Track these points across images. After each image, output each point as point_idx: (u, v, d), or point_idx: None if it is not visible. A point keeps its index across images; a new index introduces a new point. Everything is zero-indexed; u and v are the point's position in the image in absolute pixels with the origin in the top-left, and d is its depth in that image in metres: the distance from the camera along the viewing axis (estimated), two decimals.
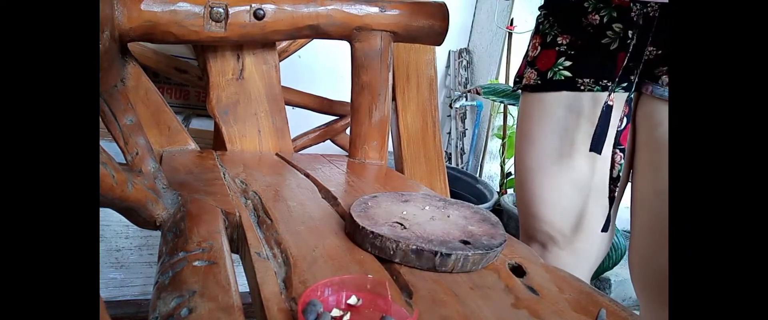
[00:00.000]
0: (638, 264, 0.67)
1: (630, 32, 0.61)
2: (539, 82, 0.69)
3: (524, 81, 0.72)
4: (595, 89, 0.66)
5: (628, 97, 0.61)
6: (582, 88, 0.66)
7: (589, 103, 0.66)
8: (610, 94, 0.62)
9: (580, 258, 0.73)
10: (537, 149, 0.71)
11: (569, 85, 0.67)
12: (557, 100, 0.68)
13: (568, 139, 0.68)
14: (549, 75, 0.68)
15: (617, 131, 0.62)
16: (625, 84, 0.63)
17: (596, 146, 0.62)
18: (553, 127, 0.69)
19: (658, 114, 0.60)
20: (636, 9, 0.59)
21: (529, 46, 0.75)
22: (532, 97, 0.71)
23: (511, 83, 2.28)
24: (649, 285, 0.65)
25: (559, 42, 0.68)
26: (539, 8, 0.74)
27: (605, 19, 0.63)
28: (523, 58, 0.76)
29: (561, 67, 0.67)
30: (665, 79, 0.59)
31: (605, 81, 0.65)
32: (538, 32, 0.72)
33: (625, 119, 0.61)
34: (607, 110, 0.61)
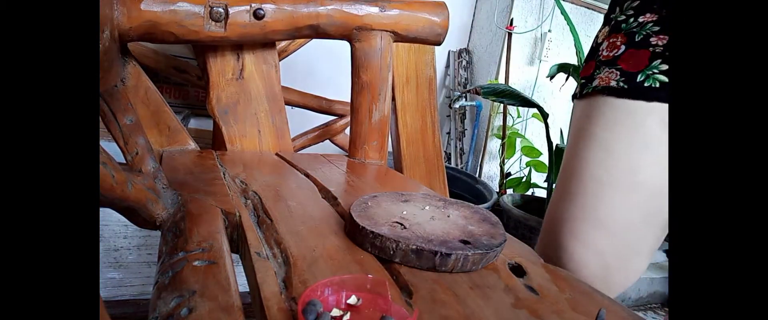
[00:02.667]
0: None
1: None
2: (625, 86, 0.60)
3: (600, 82, 0.62)
4: None
5: None
6: None
7: None
8: None
9: (623, 284, 0.64)
10: (614, 160, 0.61)
11: (664, 94, 0.57)
12: (649, 111, 0.58)
13: (655, 158, 0.59)
14: (640, 78, 0.59)
15: None
16: None
17: None
18: (640, 140, 0.59)
19: None
20: None
21: (601, 45, 0.65)
22: (611, 102, 0.61)
23: (510, 84, 2.28)
24: None
25: (654, 42, 0.58)
26: (613, 7, 0.65)
27: None
28: (589, 58, 0.67)
29: (656, 71, 0.58)
30: None
31: None
32: (617, 30, 0.63)
33: None
34: None
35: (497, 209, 1.90)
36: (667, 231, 0.62)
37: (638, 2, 0.61)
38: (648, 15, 0.60)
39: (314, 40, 1.21)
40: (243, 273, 0.48)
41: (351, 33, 0.91)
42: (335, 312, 0.37)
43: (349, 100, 0.98)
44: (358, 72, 0.93)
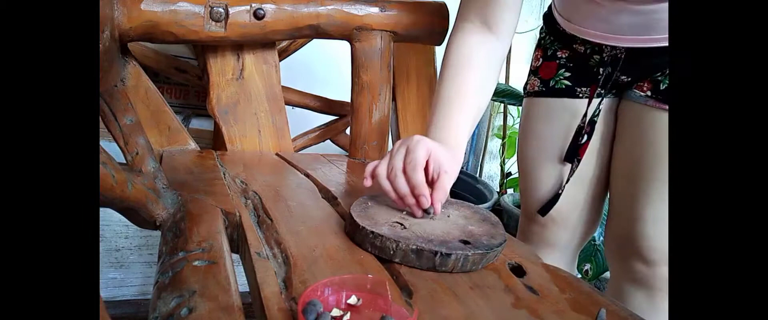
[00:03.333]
0: (609, 230, 0.80)
1: (601, 69, 0.74)
2: (543, 89, 0.81)
3: (530, 88, 0.85)
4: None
5: (591, 118, 0.75)
6: (580, 95, 0.78)
7: (585, 108, 0.78)
8: (585, 125, 0.76)
9: (574, 234, 0.86)
10: (543, 143, 0.82)
11: (569, 92, 0.78)
12: (560, 105, 0.80)
13: (568, 138, 0.80)
14: (551, 83, 0.80)
15: (578, 145, 0.77)
16: (614, 90, 0.76)
17: (569, 157, 0.79)
18: (556, 126, 0.80)
19: (633, 112, 0.73)
20: (607, 50, 0.72)
21: (532, 58, 0.87)
22: (537, 101, 0.83)
23: (510, 84, 2.28)
24: (615, 245, 0.78)
25: (559, 55, 0.80)
26: (541, 28, 0.85)
27: (588, 52, 0.75)
28: (529, 69, 0.89)
29: (562, 77, 0.79)
30: (636, 91, 0.71)
31: (599, 89, 0.76)
32: (539, 46, 0.84)
33: (585, 136, 0.76)
34: (579, 130, 0.77)
35: (498, 209, 1.90)
36: (598, 186, 0.82)
37: (545, 27, 0.84)
38: (551, 37, 0.81)
39: (314, 40, 1.21)
40: (243, 273, 0.48)
41: (351, 33, 0.91)
42: (335, 312, 0.37)
43: (349, 100, 0.98)
44: (358, 72, 0.93)
